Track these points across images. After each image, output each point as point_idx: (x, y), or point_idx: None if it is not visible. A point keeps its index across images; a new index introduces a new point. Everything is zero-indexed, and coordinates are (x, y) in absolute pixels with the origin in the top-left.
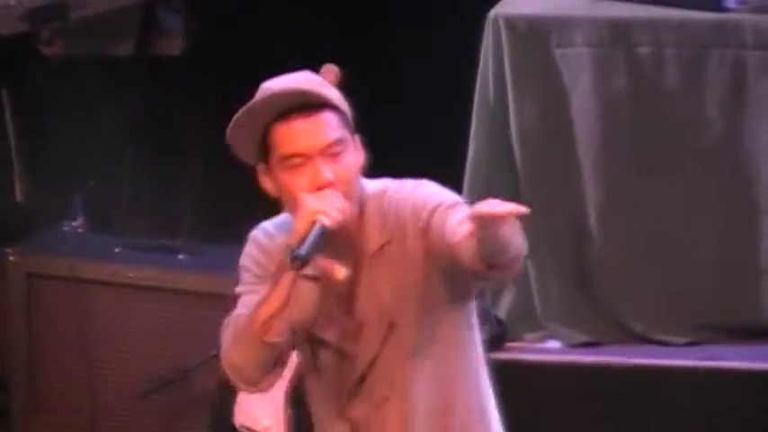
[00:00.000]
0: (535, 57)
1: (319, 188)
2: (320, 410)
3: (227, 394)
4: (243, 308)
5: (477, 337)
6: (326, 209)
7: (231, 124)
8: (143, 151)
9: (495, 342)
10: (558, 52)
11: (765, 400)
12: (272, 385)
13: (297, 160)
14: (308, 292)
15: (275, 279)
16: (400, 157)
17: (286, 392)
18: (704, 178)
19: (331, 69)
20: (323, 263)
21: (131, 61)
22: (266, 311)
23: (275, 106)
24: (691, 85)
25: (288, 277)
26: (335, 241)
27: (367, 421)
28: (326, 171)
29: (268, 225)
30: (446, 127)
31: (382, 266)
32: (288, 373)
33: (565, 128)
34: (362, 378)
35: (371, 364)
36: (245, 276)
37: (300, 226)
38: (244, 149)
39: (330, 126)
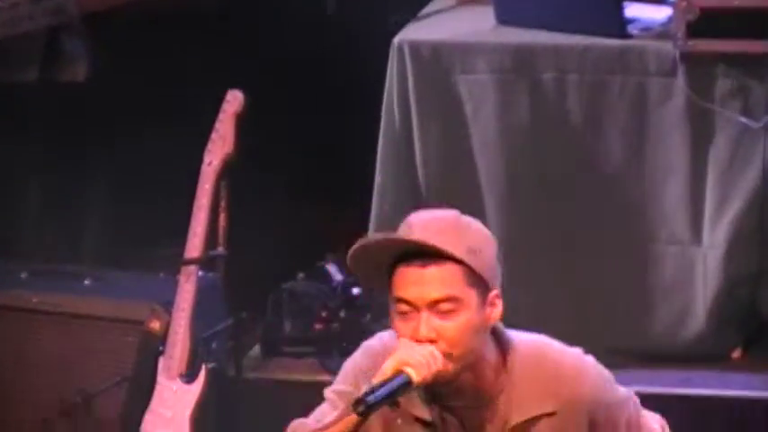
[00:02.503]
0: (439, 83)
1: (419, 342)
2: None
3: (131, 421)
4: (313, 418)
5: None
6: (416, 364)
7: (355, 251)
8: (48, 177)
9: None
10: (461, 78)
11: (676, 423)
12: None
13: (404, 307)
14: None
15: (344, 412)
16: (308, 183)
17: (190, 418)
18: (605, 205)
19: (236, 96)
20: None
21: (35, 87)
22: None
23: (398, 247)
24: (593, 112)
25: (351, 419)
26: (457, 396)
27: None
28: (428, 329)
29: (386, 335)
30: (354, 153)
31: None
32: (193, 398)
33: (469, 154)
34: None
35: None
36: (338, 380)
37: (387, 370)
38: (369, 276)
39: (445, 282)
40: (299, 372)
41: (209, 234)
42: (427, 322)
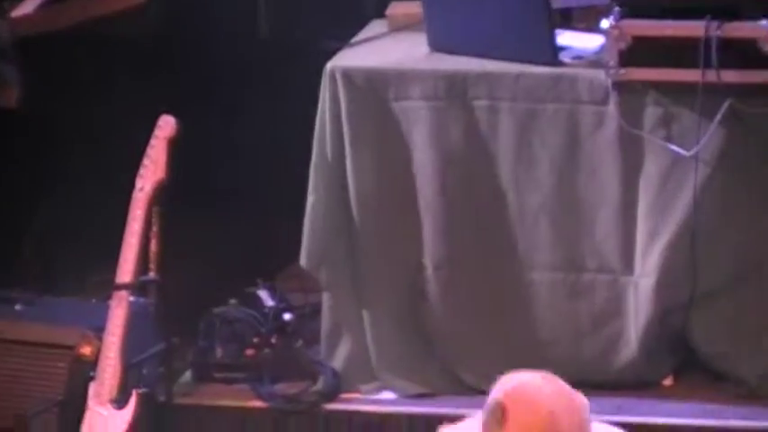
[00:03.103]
0: (372, 110)
1: None
2: None
3: None
4: None
5: None
6: None
7: None
8: None
9: (330, 393)
10: (394, 105)
11: None
12: None
13: None
14: None
15: None
16: (238, 208)
17: None
18: (536, 232)
19: (168, 121)
20: None
21: None
22: None
23: None
24: (525, 139)
25: None
26: None
27: None
28: None
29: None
30: (285, 178)
31: None
32: (124, 423)
33: (402, 180)
34: None
35: None
36: None
37: None
38: None
39: None
40: (230, 398)
41: (140, 260)
42: None
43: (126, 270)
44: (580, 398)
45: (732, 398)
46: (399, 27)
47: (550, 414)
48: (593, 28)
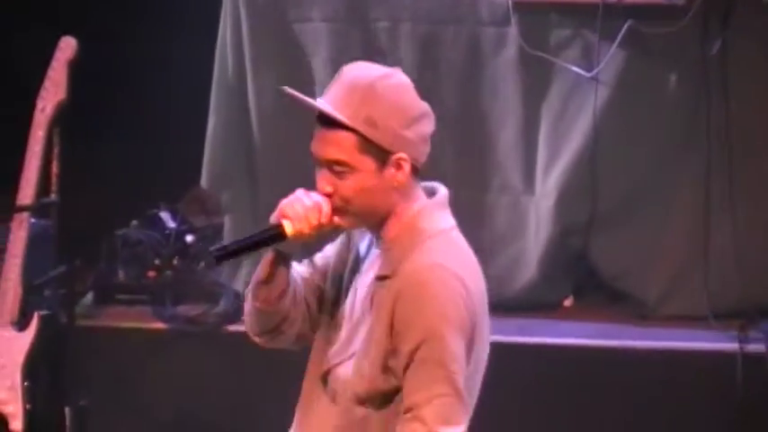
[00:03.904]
0: (274, 31)
1: (321, 192)
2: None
3: None
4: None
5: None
6: (294, 217)
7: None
8: None
9: (231, 315)
10: (296, 27)
11: (501, 370)
12: (272, 345)
13: (315, 160)
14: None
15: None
16: (141, 128)
17: (22, 365)
18: (439, 154)
19: (69, 42)
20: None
21: None
22: (253, 279)
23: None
24: (426, 61)
25: (270, 254)
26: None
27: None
28: (325, 183)
29: None
30: (184, 99)
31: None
32: (25, 345)
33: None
34: (328, 372)
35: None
36: None
37: (271, 219)
38: None
39: (337, 146)
40: (132, 319)
41: (41, 181)
42: (326, 177)
43: (27, 192)
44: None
45: (631, 318)
46: None
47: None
48: None
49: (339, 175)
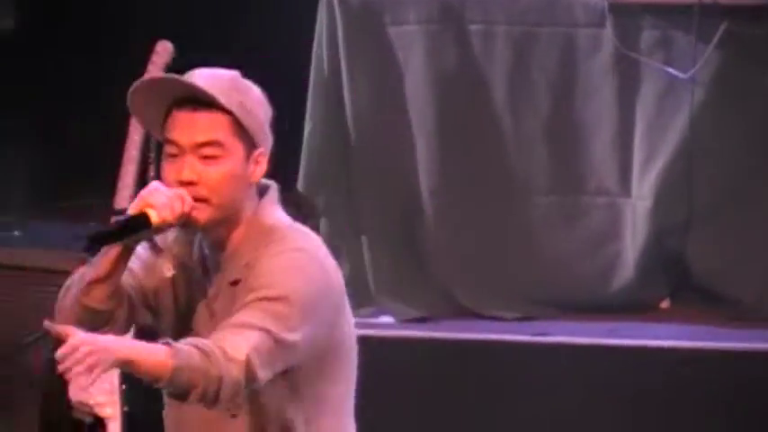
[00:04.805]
0: (369, 35)
1: (181, 184)
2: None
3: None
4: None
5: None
6: (158, 205)
7: (135, 89)
8: None
9: None
10: (391, 30)
11: (592, 373)
12: None
13: (173, 149)
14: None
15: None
16: None
17: None
18: (534, 155)
19: (165, 46)
20: (154, 258)
21: None
22: (89, 275)
23: (173, 91)
24: (521, 63)
25: (114, 250)
26: (215, 247)
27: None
28: (191, 171)
29: None
30: (283, 107)
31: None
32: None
33: (398, 105)
34: None
35: None
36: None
37: (131, 210)
38: (147, 117)
39: (212, 127)
40: None
41: (138, 185)
42: (191, 165)
43: (124, 195)
44: None
45: (728, 320)
46: None
47: None
48: None
49: (208, 161)
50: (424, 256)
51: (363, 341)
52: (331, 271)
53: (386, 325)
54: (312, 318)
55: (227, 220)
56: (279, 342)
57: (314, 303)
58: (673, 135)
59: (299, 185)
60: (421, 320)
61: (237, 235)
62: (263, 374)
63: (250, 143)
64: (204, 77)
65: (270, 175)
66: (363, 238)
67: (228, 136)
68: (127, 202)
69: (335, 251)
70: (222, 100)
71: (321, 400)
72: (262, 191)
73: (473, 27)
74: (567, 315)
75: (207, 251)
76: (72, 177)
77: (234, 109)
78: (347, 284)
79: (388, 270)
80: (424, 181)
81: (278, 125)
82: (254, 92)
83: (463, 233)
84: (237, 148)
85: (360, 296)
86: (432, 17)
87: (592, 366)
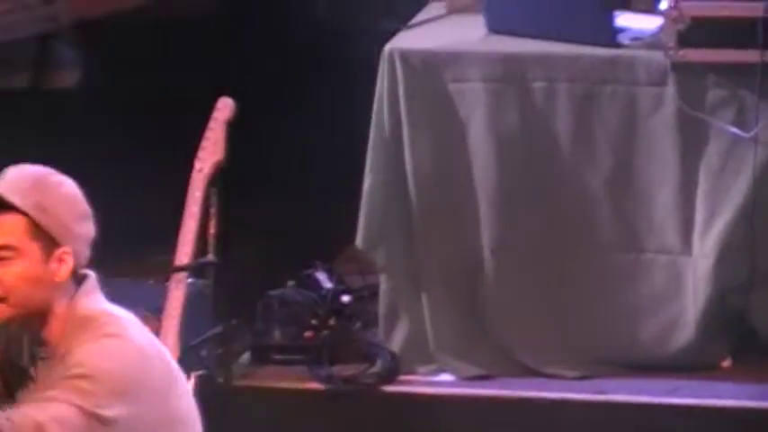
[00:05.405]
0: (430, 91)
1: None
2: None
3: None
4: None
5: None
6: None
7: None
8: None
9: (388, 375)
10: (452, 87)
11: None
12: None
13: None
14: None
15: None
16: (296, 189)
17: None
18: (595, 214)
19: (226, 103)
20: None
21: (25, 94)
22: None
23: None
24: (583, 121)
25: None
26: (34, 344)
27: None
28: None
29: None
30: (342, 160)
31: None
32: None
33: (460, 162)
34: None
35: None
36: None
37: None
38: None
39: (5, 230)
40: (288, 380)
41: (198, 241)
42: None
43: (184, 252)
44: None
45: None
46: (457, 9)
47: None
48: (651, 9)
49: (2, 262)
50: (484, 313)
51: (423, 399)
52: (151, 354)
53: (445, 383)
54: (128, 398)
55: (35, 318)
56: (92, 416)
57: (127, 384)
58: (735, 193)
59: (358, 242)
60: (481, 378)
61: (55, 329)
62: None
63: (50, 243)
64: (8, 178)
65: (332, 232)
66: (423, 296)
67: (24, 238)
68: (187, 258)
69: (394, 310)
70: (17, 201)
71: None
72: (80, 282)
73: (535, 84)
74: (627, 373)
75: (37, 353)
76: (134, 234)
77: (29, 210)
78: (407, 342)
79: (448, 328)
80: (485, 238)
81: (337, 180)
82: (58, 189)
83: (524, 291)
84: (33, 249)
85: (419, 354)
86: (494, 74)
87: (653, 425)
